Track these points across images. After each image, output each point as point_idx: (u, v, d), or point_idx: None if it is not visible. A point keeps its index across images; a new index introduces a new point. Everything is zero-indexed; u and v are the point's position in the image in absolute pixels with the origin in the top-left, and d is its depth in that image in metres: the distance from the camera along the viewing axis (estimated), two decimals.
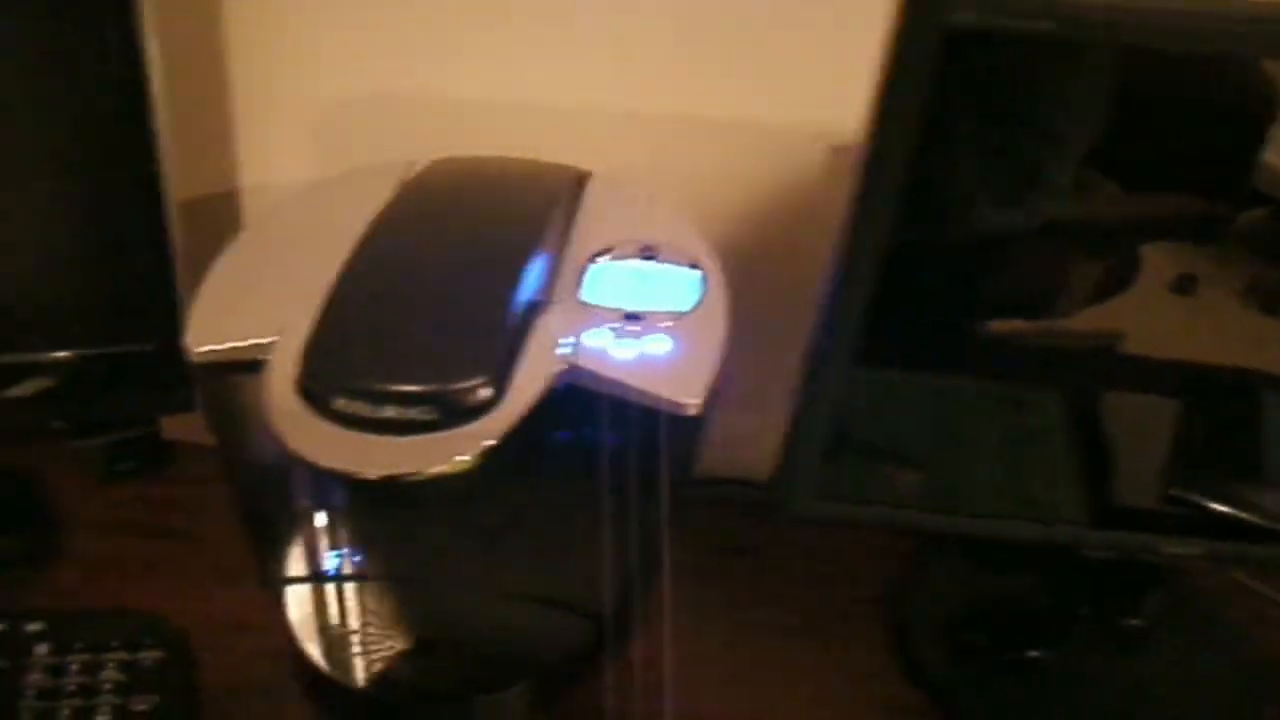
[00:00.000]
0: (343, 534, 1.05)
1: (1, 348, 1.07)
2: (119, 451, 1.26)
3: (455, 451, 0.78)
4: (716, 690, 1.12)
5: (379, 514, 1.03)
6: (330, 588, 1.07)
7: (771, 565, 1.25)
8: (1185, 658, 1.18)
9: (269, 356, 0.82)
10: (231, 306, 0.88)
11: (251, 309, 0.87)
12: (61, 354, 1.08)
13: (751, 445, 1.09)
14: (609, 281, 0.89)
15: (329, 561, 1.05)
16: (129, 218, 1.04)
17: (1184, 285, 0.91)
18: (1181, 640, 1.19)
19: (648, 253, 0.92)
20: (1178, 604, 1.19)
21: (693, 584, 0.99)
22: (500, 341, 0.82)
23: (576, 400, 0.83)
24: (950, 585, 1.24)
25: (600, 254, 0.91)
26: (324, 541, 1.05)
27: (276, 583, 1.06)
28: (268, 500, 1.03)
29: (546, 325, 0.85)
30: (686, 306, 0.89)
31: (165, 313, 1.06)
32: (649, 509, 0.91)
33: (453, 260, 0.88)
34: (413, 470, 0.78)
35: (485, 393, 0.80)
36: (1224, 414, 1.01)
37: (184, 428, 1.25)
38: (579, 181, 0.98)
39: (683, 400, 0.84)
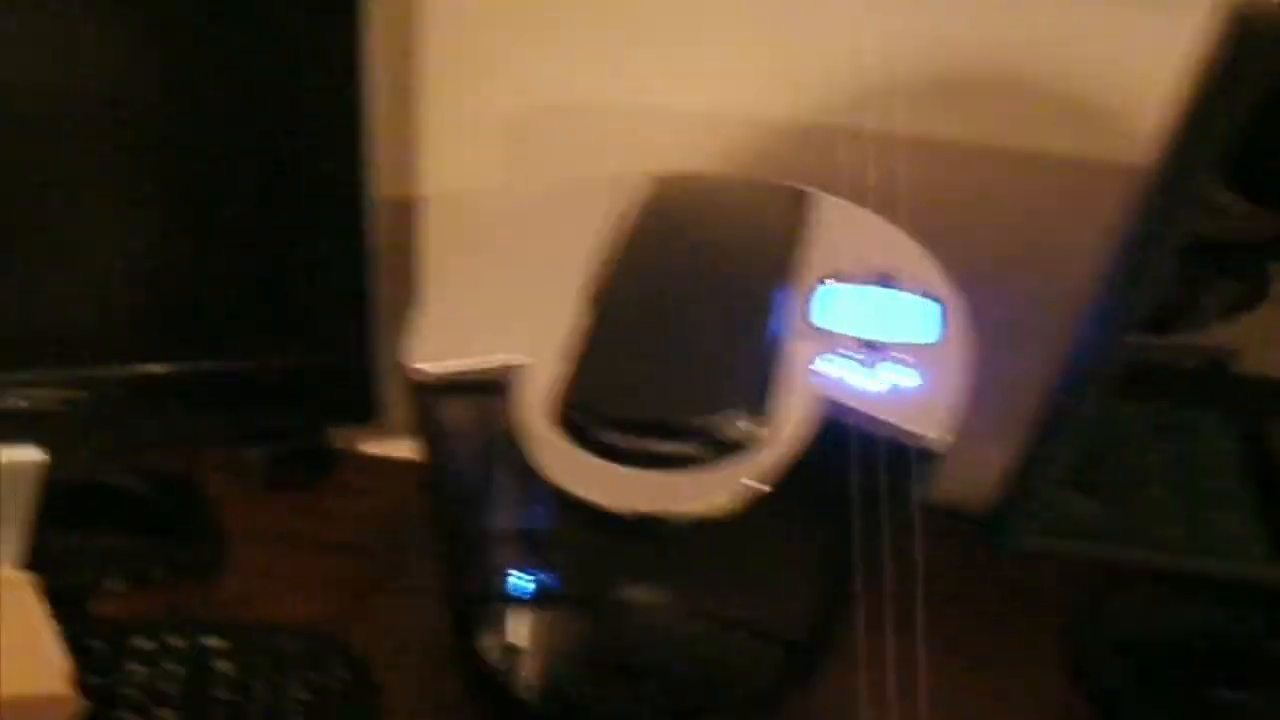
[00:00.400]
0: (544, 555, 1.01)
1: (183, 355, 1.04)
2: (283, 460, 1.22)
3: (722, 490, 0.75)
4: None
5: (603, 541, 0.98)
6: (522, 609, 1.03)
7: (956, 590, 1.17)
8: None
9: (518, 381, 0.79)
10: (456, 326, 0.84)
11: (479, 329, 0.83)
12: (246, 363, 1.05)
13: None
14: (841, 306, 0.85)
15: (523, 582, 1.01)
16: (328, 229, 1.00)
17: None
18: None
19: (885, 279, 0.87)
20: None
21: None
22: (761, 373, 0.78)
23: (825, 432, 0.79)
24: (1139, 616, 1.19)
25: (835, 276, 0.87)
26: (521, 562, 1.01)
27: (469, 602, 1.02)
28: (469, 519, 0.99)
29: (794, 354, 0.81)
30: (928, 337, 0.85)
31: (355, 326, 1.04)
32: (871, 539, 0.87)
33: (700, 285, 0.85)
34: (680, 509, 0.75)
35: (749, 428, 0.76)
36: None
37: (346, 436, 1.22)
38: (800, 199, 0.93)
39: (931, 435, 0.80)
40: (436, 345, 0.83)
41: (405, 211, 1.15)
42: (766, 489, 0.75)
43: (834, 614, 0.98)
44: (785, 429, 0.77)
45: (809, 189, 0.95)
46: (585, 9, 1.06)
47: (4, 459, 1.07)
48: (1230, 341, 0.93)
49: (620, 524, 0.75)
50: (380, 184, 1.02)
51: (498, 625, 1.03)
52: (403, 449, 1.13)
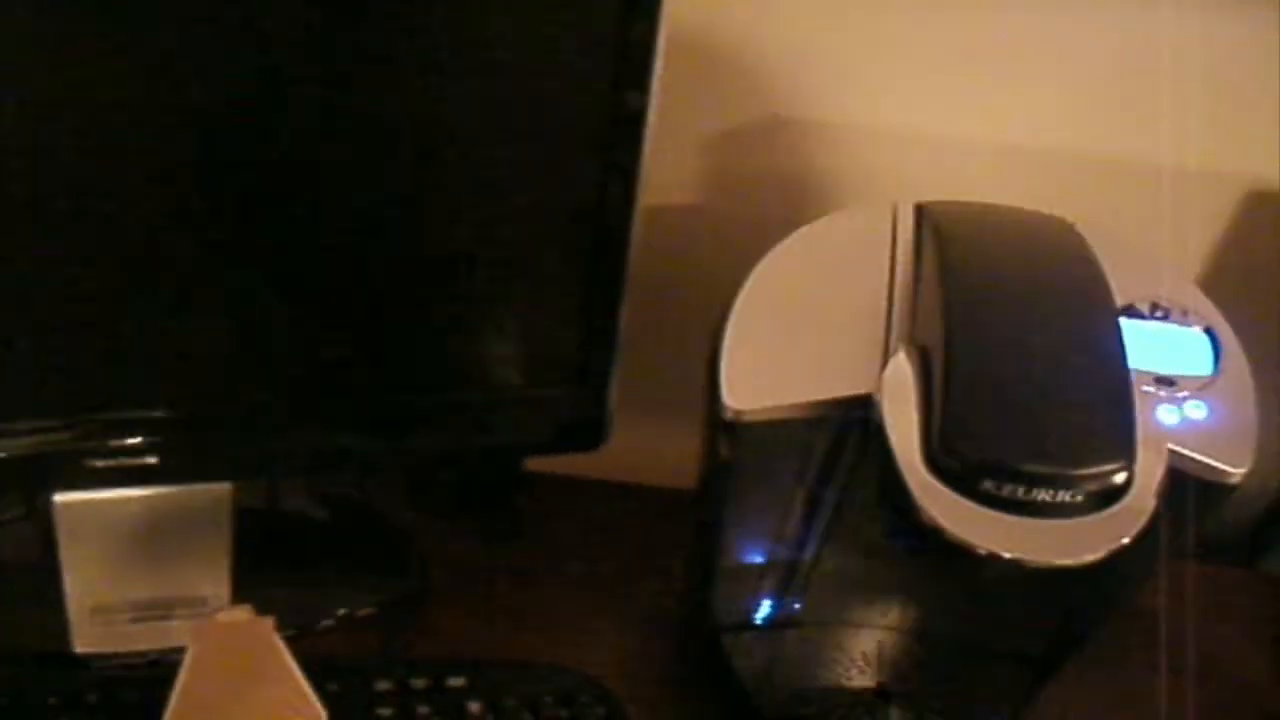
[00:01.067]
0: (804, 585, 1.02)
1: (423, 390, 1.00)
2: (472, 481, 1.21)
3: (1105, 539, 0.77)
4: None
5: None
6: (774, 636, 1.04)
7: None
8: None
9: (883, 427, 0.80)
10: (766, 363, 0.86)
11: (793, 368, 0.86)
12: (485, 395, 1.01)
13: None
14: (1133, 342, 0.86)
15: (774, 610, 1.03)
16: (594, 249, 0.95)
17: None
18: None
19: (1158, 311, 0.90)
20: None
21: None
22: (1124, 418, 0.80)
23: None
24: None
25: (1124, 312, 0.89)
26: (779, 592, 1.02)
27: (721, 630, 1.03)
28: (731, 549, 1.00)
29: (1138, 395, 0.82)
30: (1209, 369, 0.88)
31: (600, 352, 1.00)
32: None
33: (1039, 324, 0.85)
34: (1055, 560, 0.77)
35: (1123, 476, 0.78)
36: None
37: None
38: (1072, 231, 0.94)
39: (1230, 468, 0.83)
40: (750, 383, 0.85)
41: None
42: (1141, 530, 0.77)
43: (1081, 639, 1.01)
44: (1146, 479, 0.79)
45: (1068, 219, 0.95)
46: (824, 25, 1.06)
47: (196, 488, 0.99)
48: None
49: (1016, 573, 0.77)
50: None
51: (750, 653, 1.04)
52: (587, 468, 1.11)
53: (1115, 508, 0.77)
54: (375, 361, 0.97)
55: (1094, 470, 0.77)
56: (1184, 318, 0.91)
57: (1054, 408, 0.80)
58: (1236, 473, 0.83)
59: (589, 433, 1.04)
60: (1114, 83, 1.09)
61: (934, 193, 0.97)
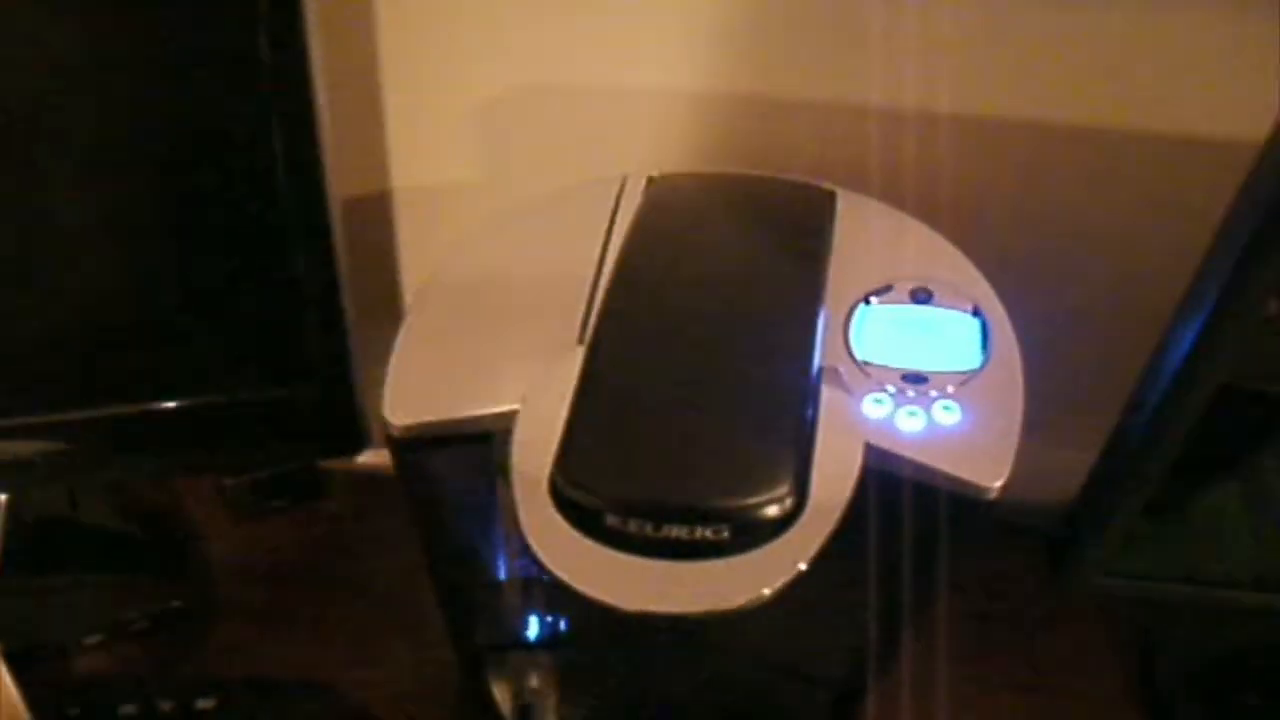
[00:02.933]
0: (560, 602, 0.90)
1: (152, 394, 0.92)
2: (268, 484, 1.10)
3: (757, 581, 0.63)
4: None
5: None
6: (539, 655, 0.93)
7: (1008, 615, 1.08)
8: None
9: (509, 442, 0.66)
10: (437, 370, 0.72)
11: (464, 375, 0.71)
12: (219, 398, 0.93)
13: None
14: (879, 331, 0.74)
15: (537, 628, 0.91)
16: (290, 245, 0.88)
17: None
18: None
19: (920, 294, 0.76)
20: None
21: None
22: (797, 432, 0.66)
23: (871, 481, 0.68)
24: (1209, 638, 1.07)
25: (867, 297, 0.75)
26: (536, 607, 0.91)
27: (482, 649, 0.93)
28: (470, 568, 0.87)
29: (832, 398, 0.69)
30: (974, 363, 0.73)
31: (330, 349, 0.92)
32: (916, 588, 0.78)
33: (720, 324, 0.71)
34: (708, 607, 0.63)
35: (788, 503, 0.64)
36: None
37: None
38: (827, 203, 0.81)
39: (984, 483, 0.68)
40: (416, 392, 0.71)
41: (376, 207, 1.04)
42: (805, 569, 0.63)
43: (883, 658, 0.88)
44: (827, 497, 0.65)
45: (831, 187, 0.82)
46: None
47: None
48: None
49: (651, 623, 0.64)
50: (348, 183, 0.93)
51: (513, 672, 0.93)
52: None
53: (775, 542, 0.64)
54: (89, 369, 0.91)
55: (733, 502, 0.63)
56: (951, 301, 0.76)
57: (702, 427, 0.66)
58: (992, 485, 0.68)
59: (346, 435, 0.96)
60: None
61: (689, 156, 0.89)
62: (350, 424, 0.94)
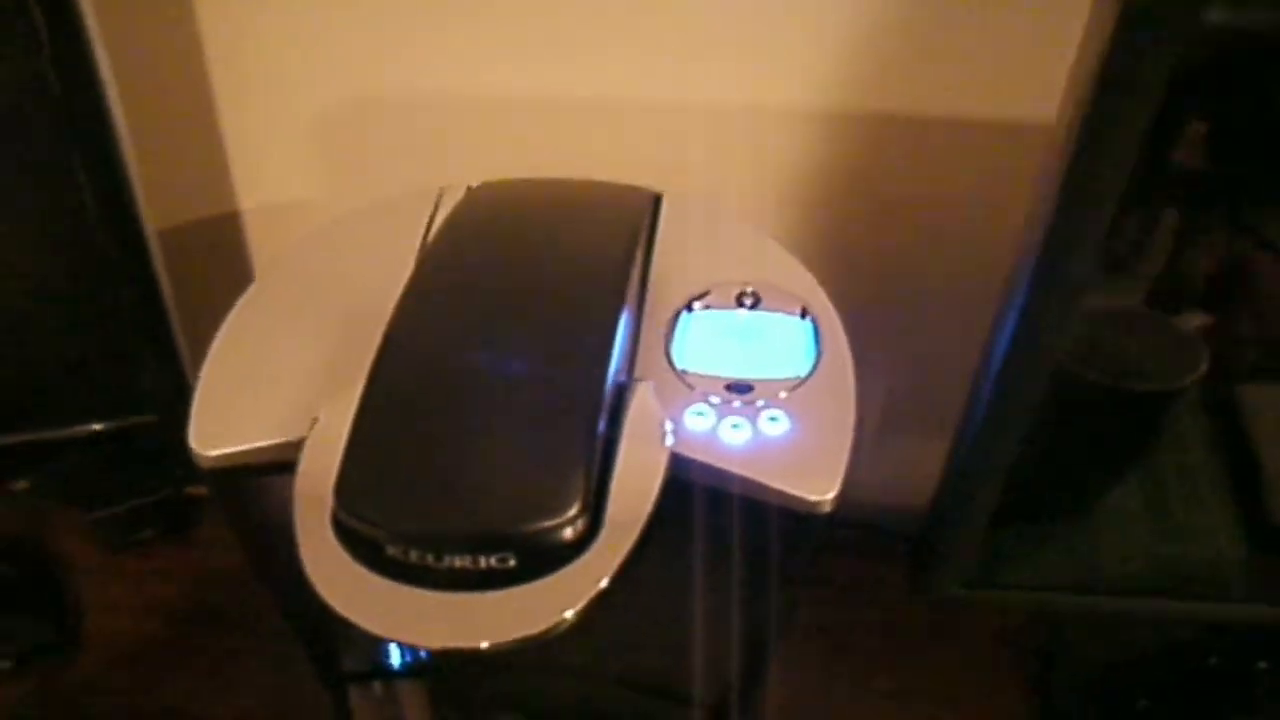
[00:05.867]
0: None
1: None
2: (137, 518, 1.06)
3: (555, 606, 0.58)
4: None
5: None
6: (402, 682, 0.88)
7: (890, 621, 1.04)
8: None
9: (305, 481, 0.62)
10: (243, 397, 0.67)
11: (268, 401, 0.66)
12: (63, 432, 0.89)
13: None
14: (702, 339, 0.69)
15: (399, 654, 0.87)
16: (111, 270, 0.84)
17: None
18: None
19: (746, 298, 0.71)
20: None
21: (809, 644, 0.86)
22: (592, 451, 0.61)
23: (682, 493, 0.64)
24: (1100, 645, 1.03)
25: (689, 304, 0.70)
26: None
27: (341, 680, 0.87)
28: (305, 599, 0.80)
29: (642, 410, 0.64)
30: (803, 369, 0.68)
31: (168, 378, 0.88)
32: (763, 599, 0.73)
33: (516, 339, 0.66)
34: (501, 639, 0.58)
35: (579, 525, 0.59)
36: None
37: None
38: (650, 207, 0.76)
39: (814, 498, 0.63)
40: (223, 421, 0.66)
41: (222, 229, 0.99)
42: (597, 594, 0.59)
43: (747, 671, 0.83)
44: (628, 514, 0.60)
45: (658, 190, 0.78)
46: None
47: None
48: None
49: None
50: (188, 202, 0.89)
51: (380, 700, 0.89)
52: None
53: (571, 566, 0.59)
54: None
55: (524, 528, 0.58)
56: (781, 304, 0.71)
57: (489, 449, 0.61)
58: (823, 499, 0.64)
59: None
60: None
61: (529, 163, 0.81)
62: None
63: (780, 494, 0.64)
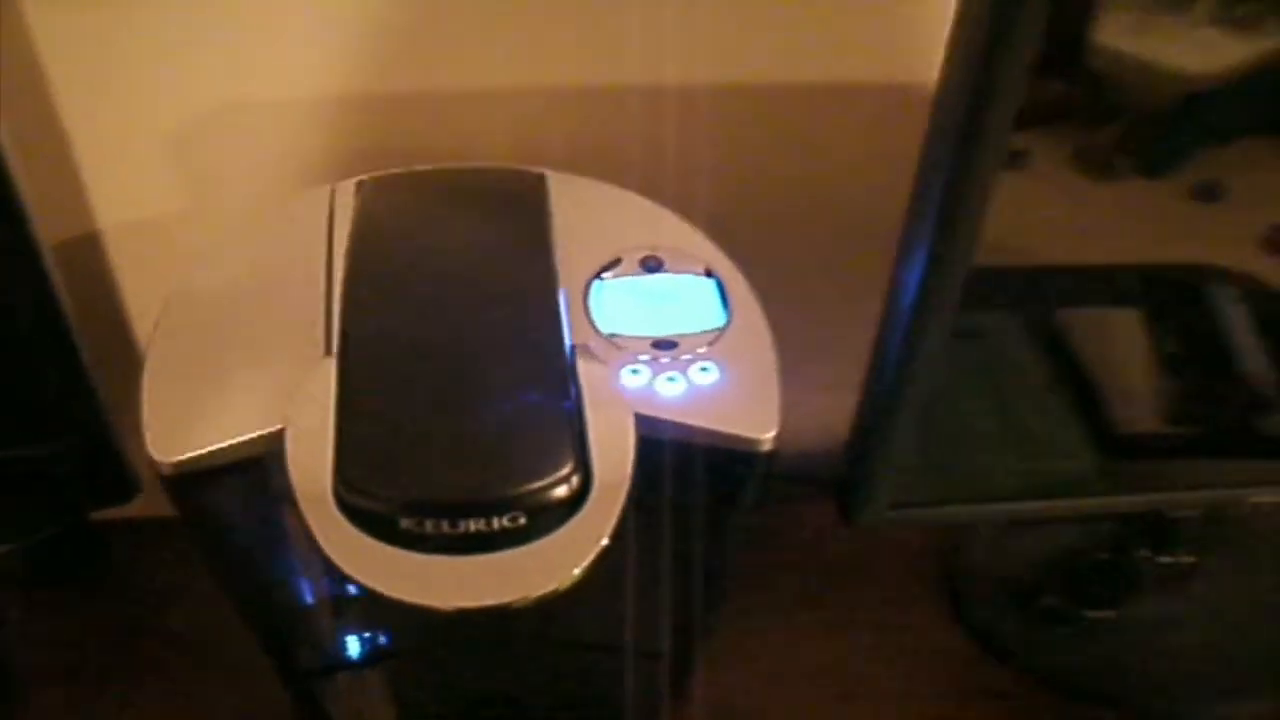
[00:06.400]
0: (371, 617, 0.87)
1: None
2: (44, 552, 1.03)
3: (565, 562, 0.61)
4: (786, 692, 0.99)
5: None
6: (367, 672, 0.89)
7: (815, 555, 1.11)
8: (1235, 581, 1.12)
9: (284, 461, 0.62)
10: (193, 402, 0.67)
11: (221, 403, 0.67)
12: None
13: None
14: (618, 304, 0.73)
15: (358, 645, 0.87)
16: (7, 296, 0.81)
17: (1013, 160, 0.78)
18: (1229, 566, 1.12)
19: (650, 262, 0.75)
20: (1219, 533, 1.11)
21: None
22: (569, 412, 0.64)
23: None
24: (1004, 550, 1.14)
25: (599, 273, 0.74)
26: (351, 625, 0.87)
27: (305, 678, 0.87)
28: (275, 597, 0.82)
29: (590, 374, 0.67)
30: (718, 322, 0.73)
31: (75, 399, 0.86)
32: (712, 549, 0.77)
33: (465, 317, 0.69)
34: (518, 597, 0.61)
35: (575, 482, 0.62)
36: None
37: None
38: (538, 185, 0.79)
39: (757, 436, 0.68)
40: (177, 427, 0.66)
41: (93, 253, 0.97)
42: (609, 543, 0.62)
43: (696, 618, 0.87)
44: (611, 469, 0.63)
45: (538, 170, 0.81)
46: None
47: None
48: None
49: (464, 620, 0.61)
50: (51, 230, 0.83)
51: (344, 693, 0.90)
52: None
53: (575, 519, 0.62)
54: None
55: (525, 488, 0.61)
56: (684, 265, 0.76)
57: (474, 419, 0.64)
58: (764, 437, 0.68)
59: (114, 484, 0.91)
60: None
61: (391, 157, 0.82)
62: (116, 473, 0.89)
63: (726, 436, 0.68)
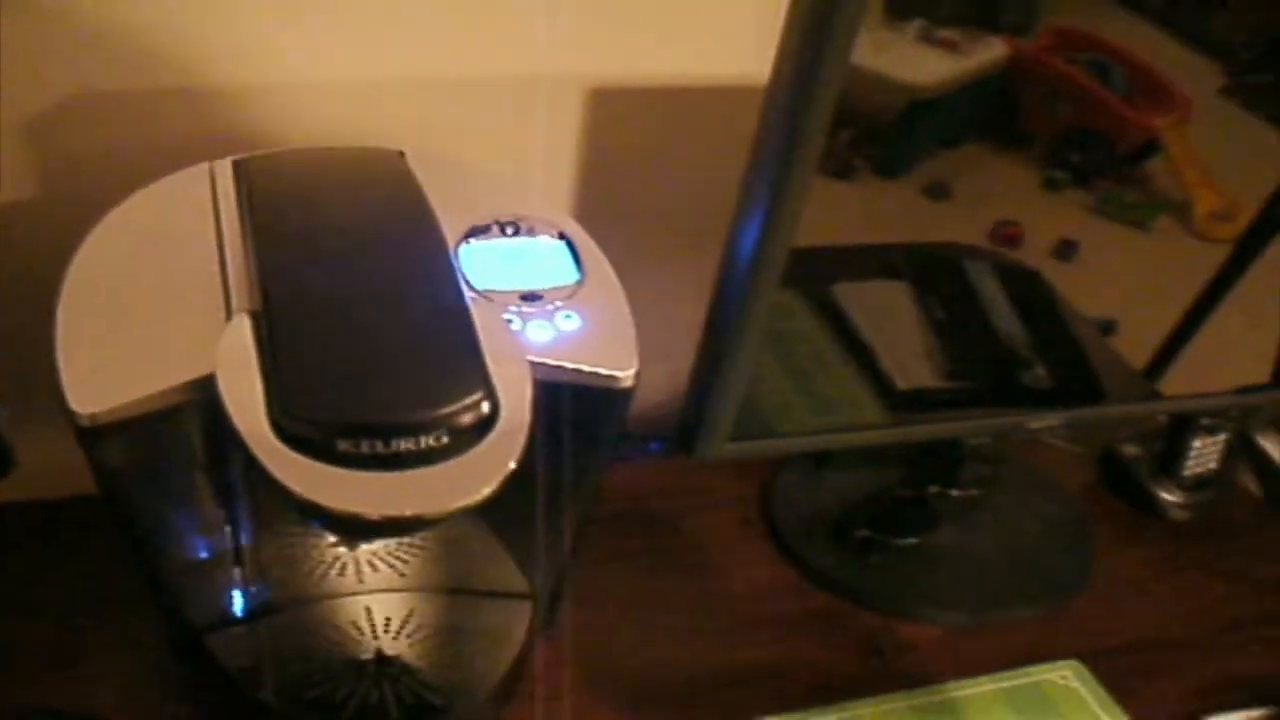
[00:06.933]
0: (259, 568, 0.93)
1: None
2: None
3: (479, 477, 0.69)
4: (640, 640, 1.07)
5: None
6: (252, 624, 0.94)
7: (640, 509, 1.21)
8: (1015, 510, 1.29)
9: (223, 405, 0.69)
10: (110, 357, 0.72)
11: (138, 356, 0.72)
12: None
13: None
14: (486, 264, 0.81)
15: (249, 599, 0.94)
16: None
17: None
18: (1007, 498, 1.29)
19: (509, 226, 0.84)
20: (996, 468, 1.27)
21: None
22: (474, 347, 0.73)
23: None
24: (819, 490, 1.27)
25: (465, 238, 0.82)
26: (239, 579, 0.93)
27: (195, 631, 0.92)
28: (171, 550, 0.89)
29: (483, 318, 0.75)
30: (573, 278, 0.82)
31: None
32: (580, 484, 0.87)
33: (365, 268, 0.77)
34: (438, 508, 0.68)
35: (485, 408, 0.70)
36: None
37: None
38: (399, 161, 0.87)
39: (619, 373, 0.79)
40: (95, 382, 0.71)
41: None
42: (518, 463, 0.69)
43: (565, 560, 0.96)
44: (514, 401, 0.71)
45: (396, 149, 0.89)
46: None
47: None
48: None
49: (379, 529, 0.71)
50: None
51: (236, 649, 0.93)
52: (44, 489, 1.01)
53: (487, 440, 0.70)
54: None
55: (446, 410, 0.69)
56: (538, 229, 0.84)
57: (389, 353, 0.72)
58: (625, 374, 0.78)
59: None
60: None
61: (268, 143, 0.88)
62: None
63: (591, 375, 0.77)
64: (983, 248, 1.02)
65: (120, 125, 0.97)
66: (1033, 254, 1.04)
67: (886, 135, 0.94)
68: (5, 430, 0.90)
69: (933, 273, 1.04)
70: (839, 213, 0.94)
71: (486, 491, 0.68)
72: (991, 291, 1.05)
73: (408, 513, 0.67)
